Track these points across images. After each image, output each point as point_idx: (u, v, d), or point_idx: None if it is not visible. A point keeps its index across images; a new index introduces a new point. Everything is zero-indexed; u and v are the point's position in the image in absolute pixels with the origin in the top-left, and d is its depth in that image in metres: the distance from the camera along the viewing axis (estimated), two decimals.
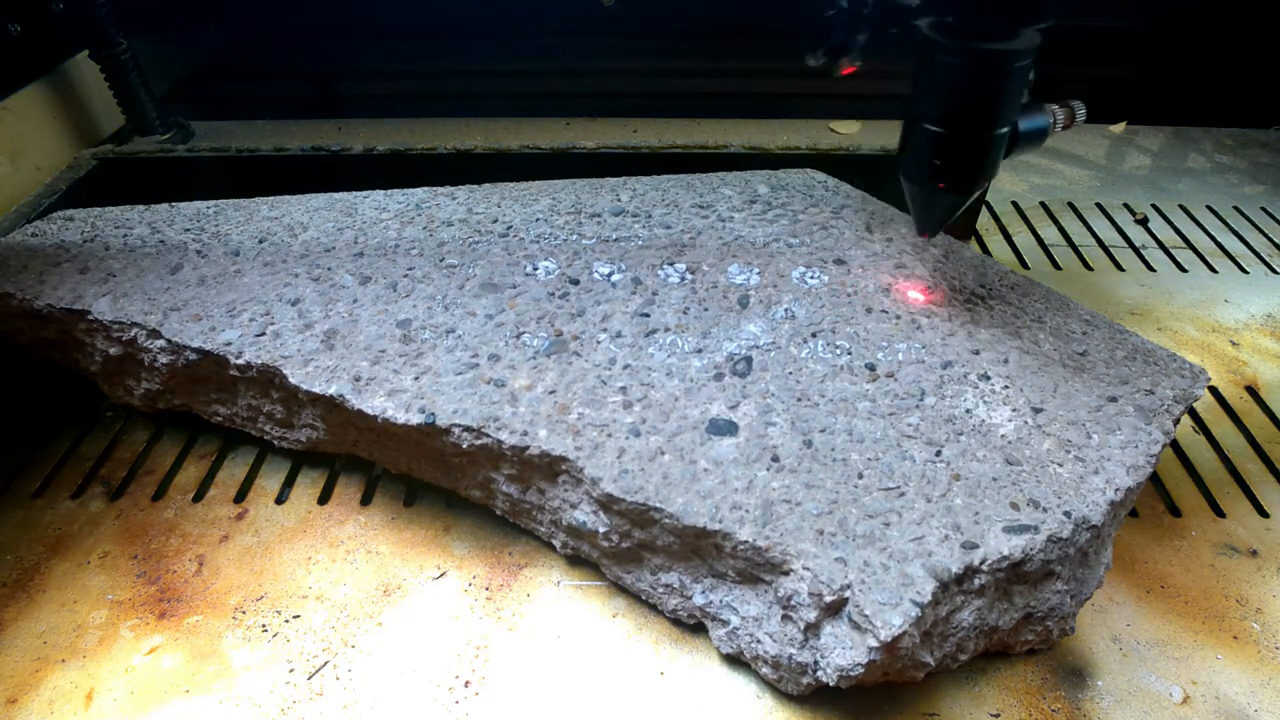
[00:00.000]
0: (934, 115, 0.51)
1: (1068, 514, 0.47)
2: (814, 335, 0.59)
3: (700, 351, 0.58)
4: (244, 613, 0.54)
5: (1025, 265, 0.92)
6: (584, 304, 0.62)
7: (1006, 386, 0.55)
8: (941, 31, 0.48)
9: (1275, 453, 0.68)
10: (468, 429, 0.52)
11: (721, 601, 0.50)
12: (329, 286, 0.64)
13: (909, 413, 0.53)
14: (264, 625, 0.54)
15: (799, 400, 0.54)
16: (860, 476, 0.49)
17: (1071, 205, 1.03)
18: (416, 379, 0.55)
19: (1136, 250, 0.94)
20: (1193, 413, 0.72)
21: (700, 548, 0.49)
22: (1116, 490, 0.48)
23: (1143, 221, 1.00)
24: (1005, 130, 0.52)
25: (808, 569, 0.44)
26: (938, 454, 0.50)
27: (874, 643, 0.42)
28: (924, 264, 0.67)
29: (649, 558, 0.52)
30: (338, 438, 0.60)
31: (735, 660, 0.52)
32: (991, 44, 0.48)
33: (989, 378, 0.56)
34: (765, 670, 0.49)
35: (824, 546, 0.45)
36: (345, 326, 0.60)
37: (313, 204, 0.75)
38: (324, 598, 0.55)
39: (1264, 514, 0.63)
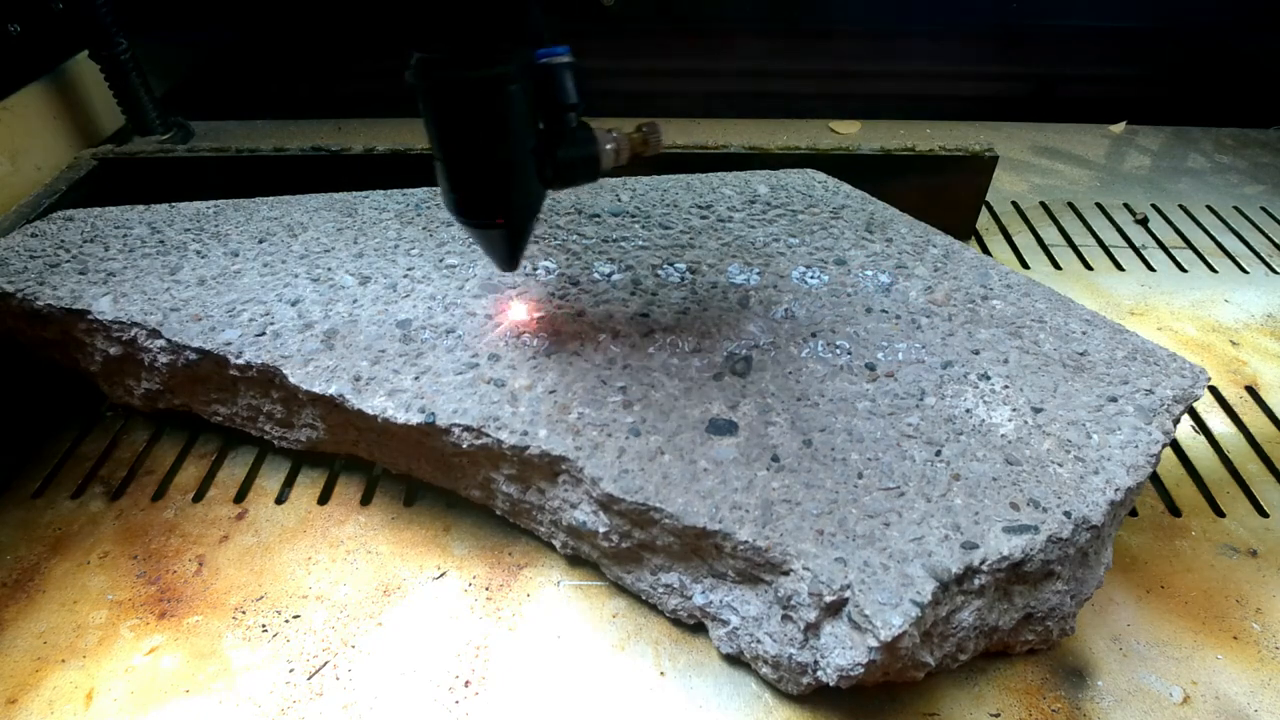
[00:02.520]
0: (437, 149, 0.48)
1: (1068, 514, 0.47)
2: (814, 335, 0.59)
3: (700, 351, 0.58)
4: (244, 613, 0.54)
5: (1025, 265, 0.92)
6: (584, 304, 0.62)
7: (1006, 386, 0.55)
8: (421, 64, 0.45)
9: (1275, 453, 0.68)
10: (468, 429, 0.52)
11: (721, 601, 0.50)
12: (329, 286, 0.64)
13: (909, 412, 0.53)
14: (264, 625, 0.54)
15: (799, 400, 0.54)
16: (860, 476, 0.49)
17: (1071, 205, 1.03)
18: (416, 379, 0.55)
19: (1136, 250, 0.94)
20: (1193, 413, 0.72)
21: (700, 548, 0.49)
22: (1116, 490, 0.48)
23: (1143, 221, 1.00)
24: (517, 159, 0.48)
25: (808, 569, 0.44)
26: (938, 454, 0.50)
27: (874, 643, 0.42)
28: (925, 264, 0.67)
29: (649, 558, 0.52)
30: (338, 438, 0.60)
31: (735, 660, 0.52)
32: (463, 72, 0.44)
33: (989, 378, 0.56)
34: (765, 670, 0.49)
35: (824, 546, 0.45)
36: (345, 326, 0.60)
37: (313, 204, 0.75)
38: (324, 598, 0.55)
39: (1264, 514, 0.63)
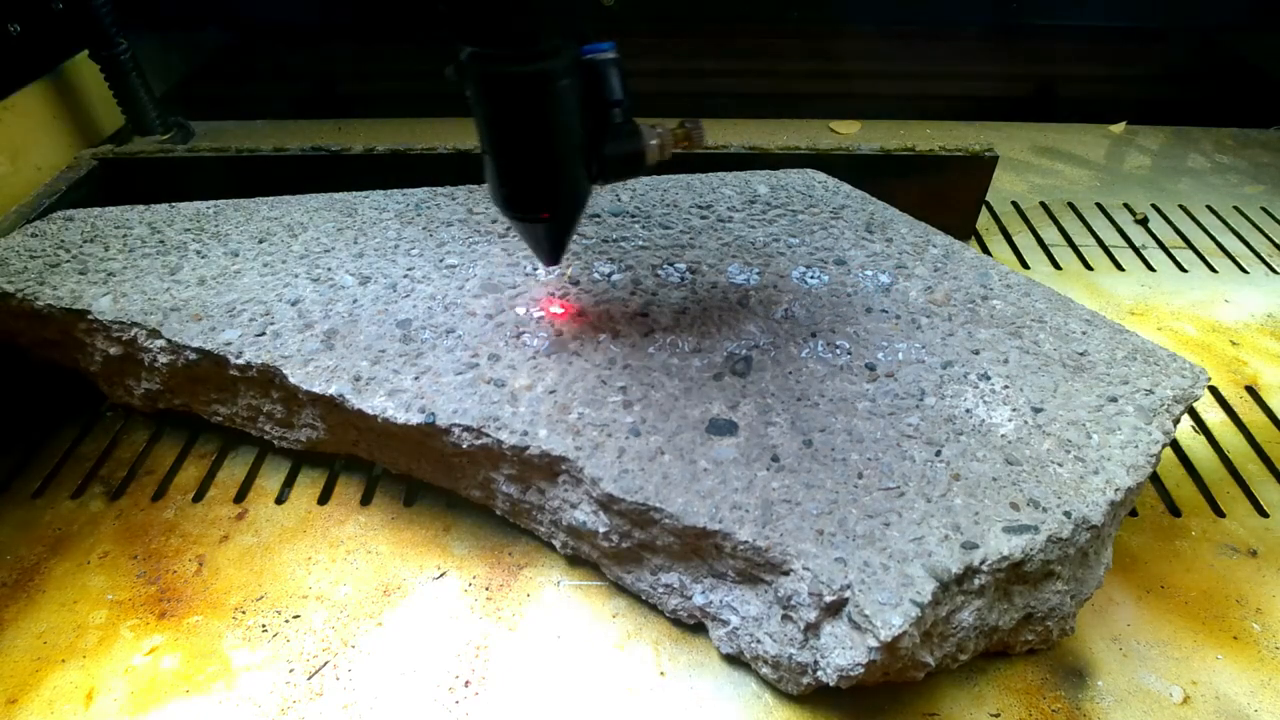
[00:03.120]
0: (487, 144, 0.48)
1: (1068, 514, 0.47)
2: (814, 335, 0.59)
3: (700, 351, 0.58)
4: (244, 613, 0.54)
5: (1025, 265, 0.92)
6: (584, 304, 0.62)
7: (1006, 386, 0.55)
8: (472, 58, 0.45)
9: (1275, 453, 0.68)
10: (468, 429, 0.52)
11: (721, 601, 0.50)
12: (329, 286, 0.64)
13: (909, 413, 0.53)
14: (264, 625, 0.54)
15: (799, 400, 0.54)
16: (860, 476, 0.49)
17: (1071, 205, 1.03)
18: (416, 379, 0.55)
19: (1136, 250, 0.94)
20: (1193, 413, 0.72)
21: (700, 548, 0.49)
22: (1116, 490, 0.48)
23: (1143, 221, 1.00)
24: (566, 154, 0.49)
25: (808, 569, 0.44)
26: (938, 454, 0.50)
27: (874, 643, 0.42)
28: (925, 264, 0.67)
29: (649, 558, 0.52)
30: (338, 438, 0.60)
31: (735, 660, 0.52)
32: (512, 67, 0.45)
33: (989, 378, 0.56)
34: (765, 670, 0.49)
35: (824, 546, 0.45)
36: (345, 326, 0.60)
37: (313, 204, 0.75)
38: (324, 598, 0.55)
39: (1264, 514, 0.63)
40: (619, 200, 0.75)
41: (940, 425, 0.52)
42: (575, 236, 0.70)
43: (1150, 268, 0.91)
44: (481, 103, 0.46)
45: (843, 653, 0.43)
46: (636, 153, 0.51)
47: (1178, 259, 0.93)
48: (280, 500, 0.63)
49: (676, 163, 0.88)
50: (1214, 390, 0.74)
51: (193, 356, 0.59)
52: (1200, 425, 0.71)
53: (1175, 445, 0.69)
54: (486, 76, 0.45)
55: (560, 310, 0.61)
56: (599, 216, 0.73)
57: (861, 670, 0.43)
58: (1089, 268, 0.91)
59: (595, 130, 0.49)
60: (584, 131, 0.49)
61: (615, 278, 0.65)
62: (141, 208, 0.75)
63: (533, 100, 0.46)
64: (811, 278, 0.65)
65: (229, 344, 0.58)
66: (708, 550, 0.49)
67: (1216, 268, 0.91)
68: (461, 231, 0.71)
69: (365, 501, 0.63)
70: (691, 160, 0.89)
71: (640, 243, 0.69)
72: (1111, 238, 0.97)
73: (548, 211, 0.51)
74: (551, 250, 0.54)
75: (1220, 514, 0.63)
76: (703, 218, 0.73)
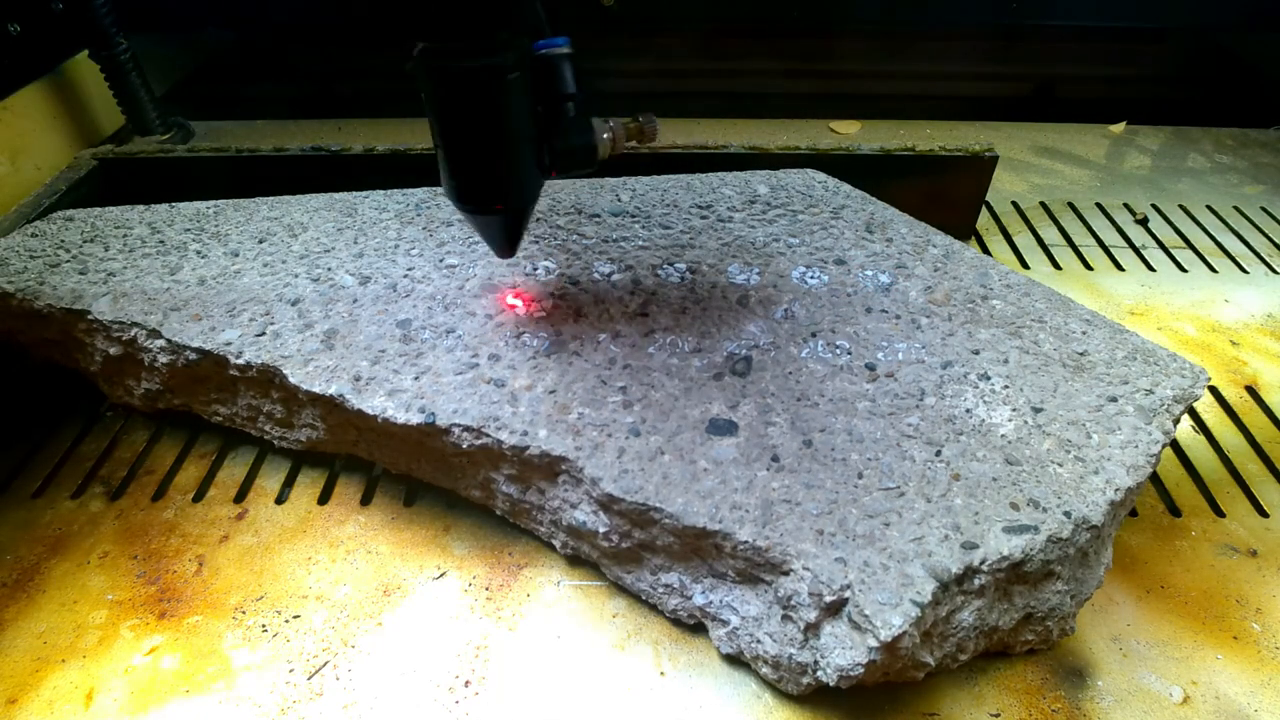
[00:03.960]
0: (438, 137, 0.49)
1: (1068, 514, 0.47)
2: (814, 335, 0.59)
3: (700, 351, 0.58)
4: (244, 613, 0.54)
5: (1025, 265, 0.92)
6: (584, 304, 0.62)
7: (1006, 386, 0.55)
8: (422, 54, 0.46)
9: (1275, 453, 0.68)
10: (468, 429, 0.52)
11: (721, 601, 0.50)
12: (329, 286, 0.64)
13: (909, 413, 0.53)
14: (264, 625, 0.54)
15: (799, 400, 0.54)
16: (860, 476, 0.49)
17: (1071, 205, 1.03)
18: (416, 379, 0.55)
19: (1136, 250, 0.94)
20: (1193, 413, 0.72)
21: (700, 548, 0.49)
22: (1116, 490, 0.48)
23: (1143, 221, 1.00)
24: (517, 147, 0.49)
25: (808, 569, 0.44)
26: (938, 454, 0.50)
27: (874, 643, 0.42)
28: (925, 264, 0.67)
29: (649, 558, 0.52)
30: (338, 438, 0.60)
31: (735, 660, 0.52)
32: (459, 62, 0.45)
33: (989, 378, 0.56)
34: (765, 670, 0.49)
35: (824, 546, 0.45)
36: (345, 326, 0.60)
37: (313, 204, 0.75)
38: (324, 598, 0.55)
39: (1264, 514, 0.63)
40: (619, 200, 0.76)
41: (940, 425, 0.52)
42: (575, 236, 0.70)
43: (1150, 268, 0.91)
44: (432, 97, 0.47)
45: (843, 653, 0.43)
46: (588, 146, 0.51)
47: (1178, 259, 0.93)
48: (280, 500, 0.63)
49: (676, 163, 0.89)
50: (1214, 390, 0.74)
51: (193, 356, 0.59)
52: (1200, 425, 0.71)
53: (1175, 445, 0.69)
54: (436, 71, 0.46)
55: (517, 302, 0.61)
56: (599, 216, 0.73)
57: (861, 670, 0.43)
58: (1089, 268, 0.91)
59: (548, 123, 0.50)
60: (535, 125, 0.50)
61: (615, 278, 0.65)
62: (141, 208, 0.75)
63: (481, 94, 0.47)
64: (811, 278, 0.65)
65: (229, 344, 0.58)
66: (708, 550, 0.49)
67: (1216, 268, 0.91)
68: (461, 231, 0.71)
69: (365, 501, 0.63)
70: (691, 160, 0.89)
71: (640, 243, 0.69)
72: (1111, 238, 0.97)
73: (500, 204, 0.51)
74: (506, 242, 0.55)
75: (1220, 514, 0.63)
76: (703, 218, 0.73)
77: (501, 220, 0.53)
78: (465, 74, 0.46)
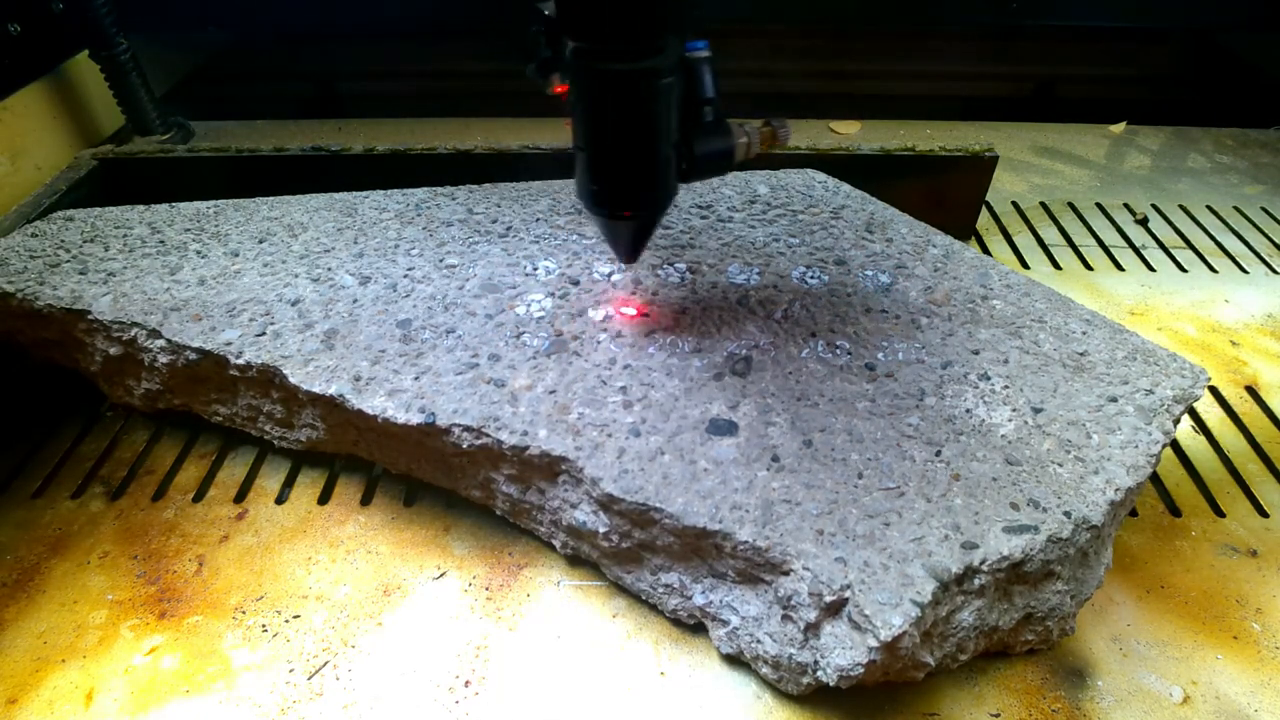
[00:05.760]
0: (584, 140, 0.48)
1: (1068, 514, 0.47)
2: (814, 335, 0.59)
3: (700, 351, 0.58)
4: (244, 613, 0.54)
5: (1025, 265, 0.92)
6: (584, 304, 0.62)
7: (1006, 386, 0.55)
8: (578, 54, 0.45)
9: (1275, 453, 0.68)
10: (468, 429, 0.52)
11: (721, 601, 0.50)
12: (329, 286, 0.64)
13: (909, 413, 0.53)
14: (264, 625, 0.54)
15: (799, 400, 0.54)
16: (860, 476, 0.49)
17: (1071, 205, 1.03)
18: (416, 379, 0.55)
19: (1136, 250, 0.94)
20: (1193, 413, 0.72)
21: (700, 548, 0.49)
22: (1116, 490, 0.48)
23: (1143, 221, 1.00)
24: (664, 153, 0.48)
25: (808, 569, 0.44)
26: (938, 454, 0.50)
27: (874, 643, 0.42)
28: (925, 264, 0.67)
29: (649, 558, 0.52)
30: (338, 438, 0.60)
31: (735, 660, 0.52)
32: (620, 64, 0.44)
33: (989, 378, 0.56)
34: (765, 670, 0.49)
35: (824, 546, 0.45)
36: (345, 326, 0.60)
37: (313, 204, 0.75)
38: (324, 598, 0.55)
39: (1264, 514, 0.63)
40: None
41: (940, 425, 0.52)
42: (575, 236, 0.70)
43: (1150, 268, 0.91)
44: (584, 99, 0.46)
45: (843, 653, 0.43)
46: (727, 151, 0.51)
47: (1178, 259, 0.93)
48: (280, 500, 0.63)
49: None
50: (1214, 390, 0.74)
51: (193, 356, 0.59)
52: (1200, 425, 0.71)
53: (1175, 445, 0.69)
54: (592, 73, 0.45)
55: (633, 312, 0.61)
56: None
57: (861, 670, 0.43)
58: (1089, 268, 0.91)
59: (686, 128, 0.49)
60: (680, 130, 0.49)
61: (615, 278, 0.65)
62: (141, 208, 0.75)
63: (638, 98, 0.46)
64: (811, 278, 0.65)
65: (229, 344, 0.58)
66: (708, 550, 0.49)
67: (1216, 268, 0.91)
68: (461, 231, 0.71)
69: (365, 501, 0.63)
70: None
71: None
72: (1111, 238, 0.97)
73: (635, 210, 0.51)
74: (631, 248, 0.54)
75: (1220, 514, 0.63)
76: (703, 218, 0.73)
77: (631, 226, 0.52)
78: (624, 77, 0.44)
